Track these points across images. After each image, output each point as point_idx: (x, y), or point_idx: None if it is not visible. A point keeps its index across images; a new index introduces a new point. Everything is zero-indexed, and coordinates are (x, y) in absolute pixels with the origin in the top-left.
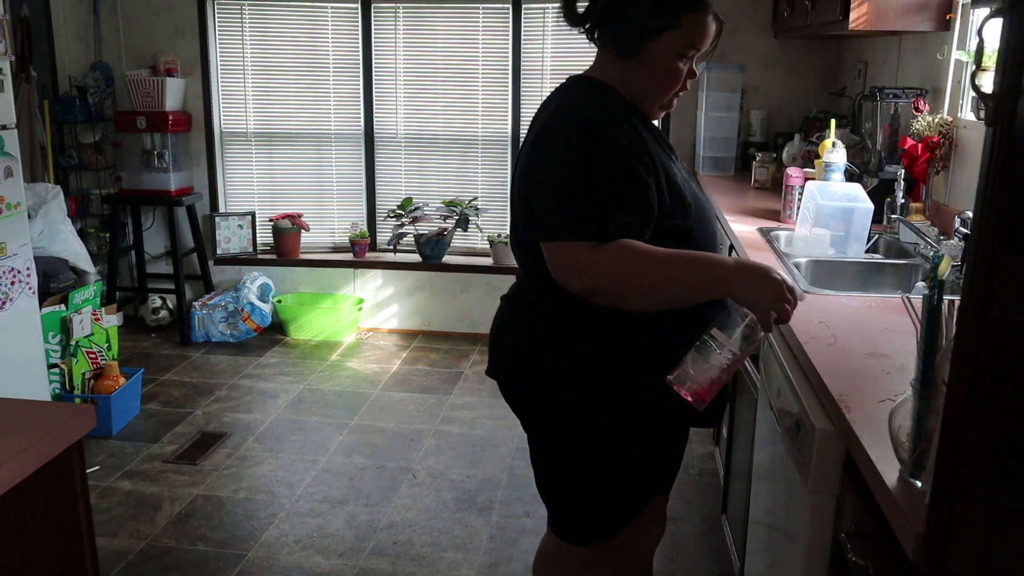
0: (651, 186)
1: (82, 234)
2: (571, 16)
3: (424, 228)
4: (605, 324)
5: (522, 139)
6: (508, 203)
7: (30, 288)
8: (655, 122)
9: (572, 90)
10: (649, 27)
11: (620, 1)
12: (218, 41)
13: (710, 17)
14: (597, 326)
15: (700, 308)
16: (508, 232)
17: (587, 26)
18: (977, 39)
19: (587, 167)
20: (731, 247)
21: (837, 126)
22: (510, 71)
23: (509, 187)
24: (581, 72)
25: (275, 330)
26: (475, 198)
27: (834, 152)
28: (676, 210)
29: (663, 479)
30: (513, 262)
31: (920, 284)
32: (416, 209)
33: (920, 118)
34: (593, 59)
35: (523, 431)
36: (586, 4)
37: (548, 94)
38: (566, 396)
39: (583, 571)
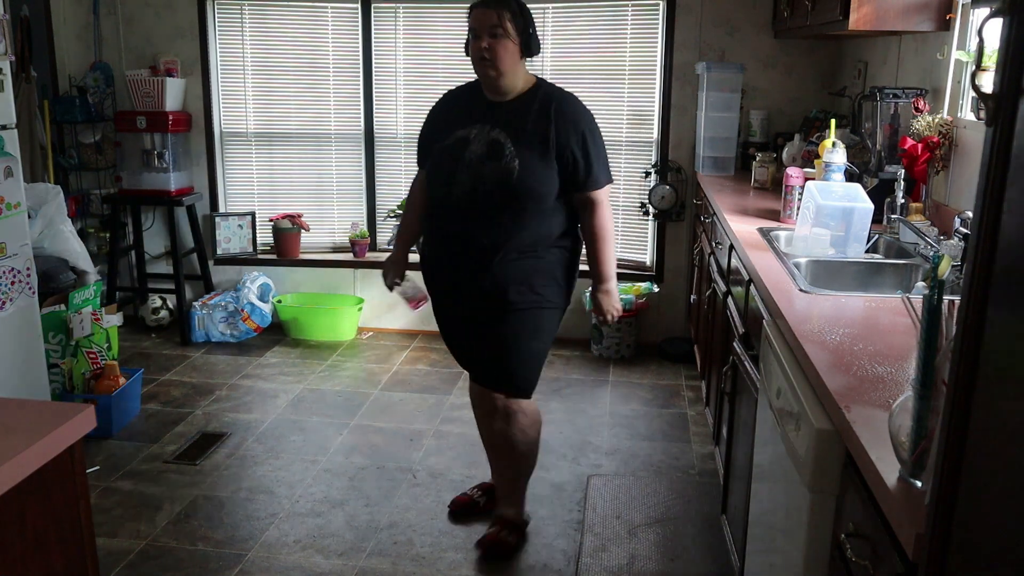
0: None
1: (82, 234)
2: None
3: None
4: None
5: None
6: None
7: (30, 288)
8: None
9: None
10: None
11: None
12: (218, 41)
13: (478, 9)
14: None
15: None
16: None
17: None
18: (977, 39)
19: None
20: (731, 247)
21: (837, 126)
22: None
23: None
24: None
25: (275, 330)
26: None
27: (834, 152)
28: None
29: None
30: None
31: (920, 284)
32: None
33: (920, 118)
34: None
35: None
36: None
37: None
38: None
39: (533, 405)
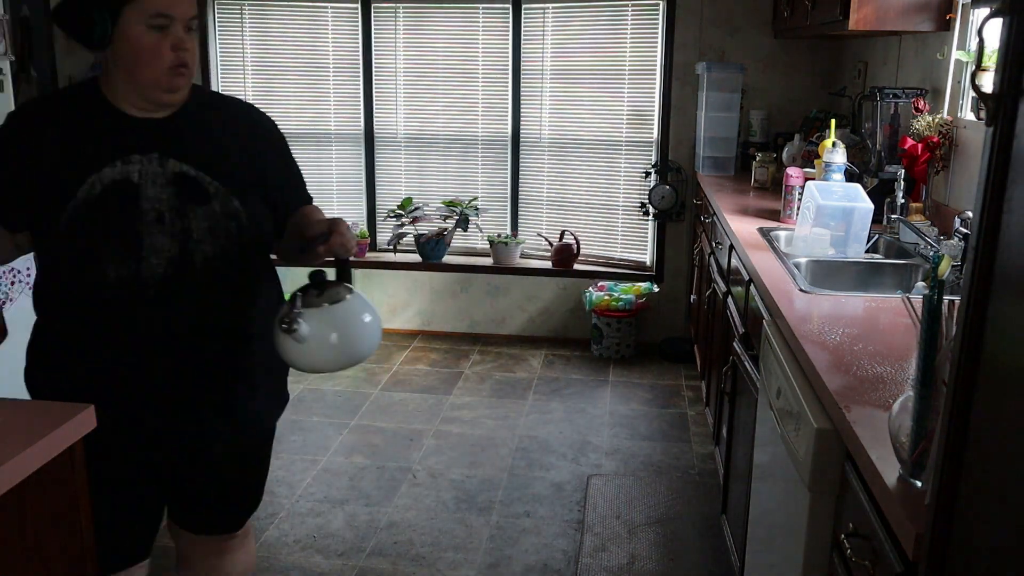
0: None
1: None
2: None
3: (424, 228)
4: None
5: (522, 139)
6: (506, 203)
7: (30, 288)
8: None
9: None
10: (106, 9)
11: None
12: (218, 41)
13: None
14: None
15: None
16: (506, 232)
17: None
18: (977, 39)
19: None
20: (731, 247)
21: (837, 126)
22: (510, 71)
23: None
24: None
25: None
26: (475, 198)
27: (834, 152)
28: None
29: None
30: (515, 262)
31: (920, 284)
32: (416, 209)
33: (920, 118)
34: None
35: (521, 431)
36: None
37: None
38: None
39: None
